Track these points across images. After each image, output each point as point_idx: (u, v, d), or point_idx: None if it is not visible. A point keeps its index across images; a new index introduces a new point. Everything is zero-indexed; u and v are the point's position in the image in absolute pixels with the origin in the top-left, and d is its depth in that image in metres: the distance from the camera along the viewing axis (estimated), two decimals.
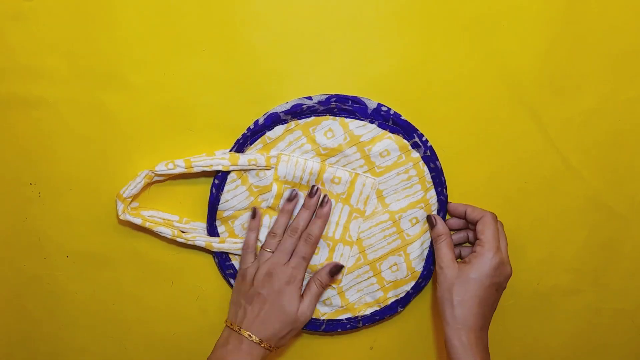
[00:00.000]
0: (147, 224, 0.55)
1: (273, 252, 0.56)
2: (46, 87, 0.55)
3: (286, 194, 0.56)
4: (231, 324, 0.54)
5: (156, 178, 0.56)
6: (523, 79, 0.57)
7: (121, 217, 0.55)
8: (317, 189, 0.56)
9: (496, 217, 0.55)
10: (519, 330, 0.63)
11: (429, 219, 0.57)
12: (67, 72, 0.54)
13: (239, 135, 0.56)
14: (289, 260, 0.55)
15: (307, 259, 0.56)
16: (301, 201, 0.57)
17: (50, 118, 0.55)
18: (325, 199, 0.56)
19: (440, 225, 0.56)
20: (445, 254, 0.54)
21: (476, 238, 0.54)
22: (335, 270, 0.56)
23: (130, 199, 0.55)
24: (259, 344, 0.52)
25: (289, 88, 0.55)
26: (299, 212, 0.57)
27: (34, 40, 0.54)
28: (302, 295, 0.56)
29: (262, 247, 0.56)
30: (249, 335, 0.52)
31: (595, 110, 0.58)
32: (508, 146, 0.58)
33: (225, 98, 0.55)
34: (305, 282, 0.57)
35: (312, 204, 0.56)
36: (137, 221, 0.55)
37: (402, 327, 0.62)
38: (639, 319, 0.64)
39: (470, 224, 0.57)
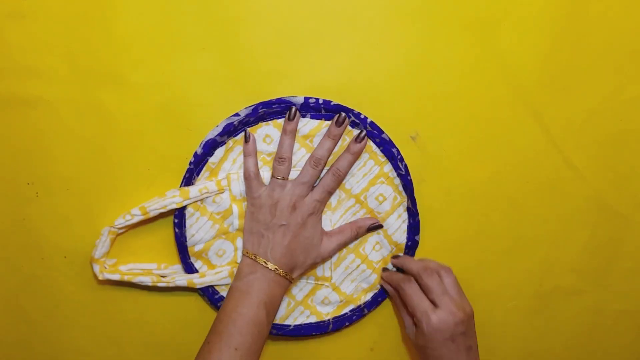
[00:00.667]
0: (125, 277, 0.56)
1: (283, 179, 0.53)
2: (44, 87, 0.54)
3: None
4: (255, 256, 0.52)
5: (121, 230, 0.56)
6: (524, 79, 0.57)
7: (100, 277, 0.55)
8: (345, 117, 0.53)
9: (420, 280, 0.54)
10: (521, 331, 0.63)
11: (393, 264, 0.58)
12: (66, 72, 0.54)
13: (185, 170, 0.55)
14: (311, 192, 0.54)
15: (332, 193, 0.55)
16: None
17: (49, 117, 0.55)
18: (362, 136, 0.53)
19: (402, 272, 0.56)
20: (418, 303, 0.53)
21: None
22: (375, 227, 0.56)
23: (104, 259, 0.56)
24: (284, 276, 0.52)
25: (289, 87, 0.55)
26: (321, 140, 0.54)
27: (32, 40, 0.54)
28: (329, 234, 0.55)
29: (273, 174, 0.54)
30: (276, 268, 0.51)
31: (597, 110, 0.58)
32: (509, 146, 0.58)
33: (225, 97, 0.55)
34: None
35: (337, 134, 0.54)
36: (116, 277, 0.56)
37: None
38: None
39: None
